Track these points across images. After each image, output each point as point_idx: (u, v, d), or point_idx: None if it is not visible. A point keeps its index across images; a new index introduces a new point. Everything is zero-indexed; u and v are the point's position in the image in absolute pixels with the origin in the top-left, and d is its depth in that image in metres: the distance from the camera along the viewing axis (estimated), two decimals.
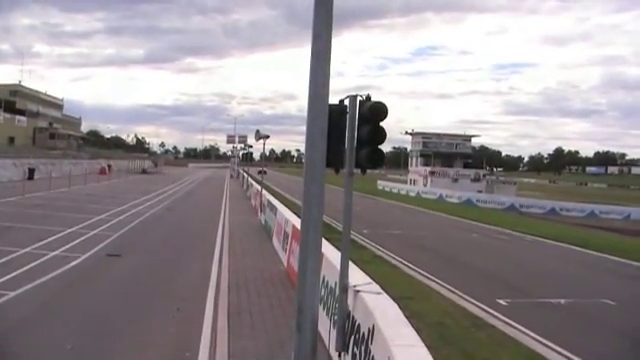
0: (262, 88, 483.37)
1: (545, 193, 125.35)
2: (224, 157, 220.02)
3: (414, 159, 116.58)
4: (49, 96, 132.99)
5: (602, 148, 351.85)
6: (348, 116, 9.32)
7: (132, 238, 27.96)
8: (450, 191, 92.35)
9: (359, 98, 9.31)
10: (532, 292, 22.15)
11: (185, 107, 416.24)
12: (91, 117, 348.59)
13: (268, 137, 43.18)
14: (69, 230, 28.55)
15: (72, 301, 15.60)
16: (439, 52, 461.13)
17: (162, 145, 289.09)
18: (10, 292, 15.78)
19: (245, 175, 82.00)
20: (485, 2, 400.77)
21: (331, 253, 12.61)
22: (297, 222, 21.49)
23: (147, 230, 31.47)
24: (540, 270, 28.34)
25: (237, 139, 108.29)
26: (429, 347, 7.15)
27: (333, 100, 8.71)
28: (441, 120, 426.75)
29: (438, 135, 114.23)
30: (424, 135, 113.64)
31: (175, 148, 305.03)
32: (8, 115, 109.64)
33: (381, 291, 9.77)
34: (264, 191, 41.19)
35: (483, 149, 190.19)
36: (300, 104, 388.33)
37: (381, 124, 9.22)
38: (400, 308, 8.91)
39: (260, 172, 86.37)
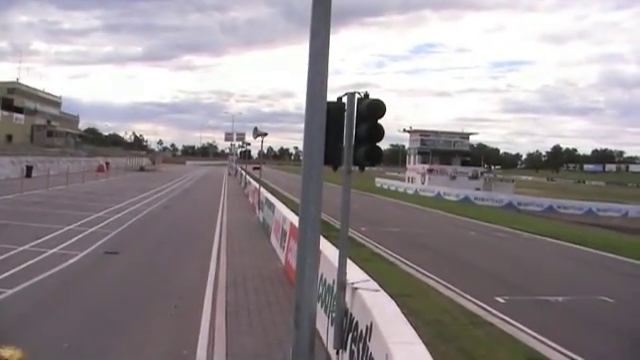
0: (260, 86, 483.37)
1: (543, 191, 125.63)
2: (222, 155, 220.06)
3: (412, 157, 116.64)
4: (47, 94, 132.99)
5: (600, 146, 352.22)
6: (346, 113, 9.31)
7: (130, 236, 27.94)
8: (448, 189, 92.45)
9: (357, 96, 9.30)
10: (530, 290, 22.15)
11: (183, 105, 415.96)
12: (89, 115, 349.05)
13: (266, 134, 43.16)
14: (67, 228, 28.53)
15: (69, 299, 15.57)
16: (437, 50, 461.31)
17: (160, 143, 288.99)
18: (7, 290, 15.76)
19: (243, 173, 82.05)
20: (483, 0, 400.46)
21: (329, 250, 12.60)
22: (295, 220, 21.51)
23: (145, 228, 31.46)
24: (538, 268, 28.37)
25: (235, 137, 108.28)
26: (427, 344, 7.13)
27: (331, 98, 8.70)
28: (439, 118, 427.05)
29: (436, 133, 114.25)
30: (422, 132, 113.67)
31: (173, 146, 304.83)
32: (6, 113, 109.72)
33: (379, 288, 9.78)
34: (262, 189, 41.18)
35: (481, 147, 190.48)
36: (298, 102, 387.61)
37: (379, 122, 9.21)
38: (398, 305, 8.89)
39: (255, 168, 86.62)
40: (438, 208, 64.15)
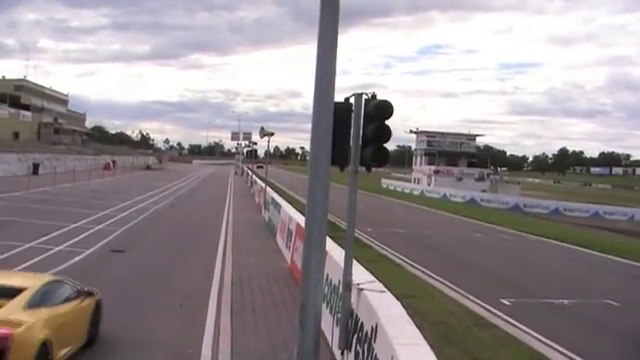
0: (267, 85, 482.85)
1: (549, 193, 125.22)
2: (228, 154, 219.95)
3: (418, 158, 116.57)
4: (54, 91, 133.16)
5: (607, 149, 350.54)
6: (353, 114, 9.31)
7: (136, 234, 28.00)
8: (454, 190, 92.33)
9: (365, 96, 9.31)
10: (535, 292, 22.10)
11: (190, 103, 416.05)
12: (96, 113, 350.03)
13: (273, 134, 43.20)
14: (74, 225, 28.64)
15: None
16: (444, 51, 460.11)
17: (167, 141, 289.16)
18: None
19: (249, 172, 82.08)
20: (491, 1, 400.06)
21: (335, 251, 12.61)
22: (301, 220, 21.53)
23: (151, 226, 31.56)
24: (544, 270, 28.34)
25: (241, 136, 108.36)
26: (432, 346, 7.14)
27: (338, 98, 8.71)
28: (446, 119, 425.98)
29: (442, 134, 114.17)
30: (428, 134, 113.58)
31: (180, 144, 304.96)
32: (13, 110, 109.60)
33: (385, 289, 9.78)
34: (268, 188, 41.20)
35: (487, 148, 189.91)
36: (305, 102, 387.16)
37: (386, 122, 9.22)
38: (403, 307, 8.91)
39: (259, 167, 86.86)
40: (444, 209, 64.15)
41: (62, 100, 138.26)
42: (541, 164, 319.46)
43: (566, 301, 20.27)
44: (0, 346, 8.14)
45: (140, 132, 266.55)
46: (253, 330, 13.43)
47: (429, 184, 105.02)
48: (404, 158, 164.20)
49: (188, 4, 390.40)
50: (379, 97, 9.25)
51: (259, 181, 60.05)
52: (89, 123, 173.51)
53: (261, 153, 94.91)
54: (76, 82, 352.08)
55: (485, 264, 28.49)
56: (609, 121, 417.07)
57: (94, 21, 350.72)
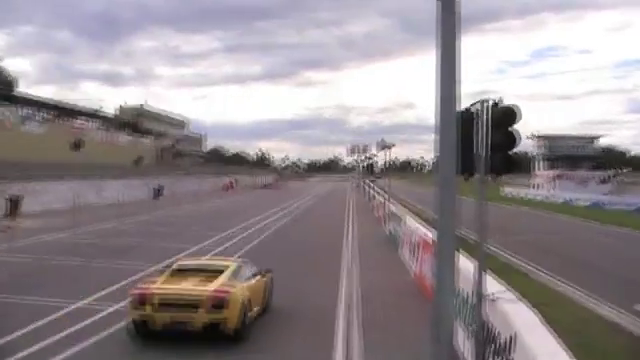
0: (380, 98, 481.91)
1: None
2: (346, 169, 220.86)
3: (538, 163, 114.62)
4: (172, 116, 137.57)
5: None
6: (478, 121, 9.22)
7: (259, 253, 28.31)
8: (577, 194, 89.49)
9: (489, 102, 9.21)
10: None
11: (305, 120, 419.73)
12: (214, 135, 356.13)
13: (393, 146, 43.08)
14: (197, 247, 29.36)
15: None
16: (558, 52, 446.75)
17: (285, 159, 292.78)
18: None
19: (367, 186, 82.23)
20: None
21: (462, 263, 12.48)
22: (425, 232, 21.45)
23: (273, 245, 31.97)
24: None
25: (360, 149, 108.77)
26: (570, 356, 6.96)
27: (459, 106, 8.64)
28: (563, 122, 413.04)
29: (562, 137, 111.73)
30: (548, 138, 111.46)
31: (297, 162, 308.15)
32: (133, 136, 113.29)
33: (518, 299, 9.60)
34: (388, 202, 41.16)
35: (609, 149, 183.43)
36: (419, 113, 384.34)
37: (513, 128, 9.09)
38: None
39: (373, 180, 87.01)
40: (568, 214, 62.42)
41: (180, 124, 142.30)
42: None
43: None
44: (223, 301, 13.61)
45: (260, 150, 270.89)
46: (384, 347, 13.42)
47: (551, 189, 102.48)
48: (521, 164, 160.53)
49: (297, 22, 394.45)
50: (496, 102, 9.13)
51: (378, 195, 60.09)
52: (207, 145, 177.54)
53: (378, 166, 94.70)
54: (192, 105, 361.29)
55: (615, 269, 27.59)
56: None
57: (207, 45, 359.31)
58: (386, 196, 43.01)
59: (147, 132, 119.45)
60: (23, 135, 74.08)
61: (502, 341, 8.57)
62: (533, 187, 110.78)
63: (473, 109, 9.30)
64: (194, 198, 62.11)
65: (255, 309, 15.22)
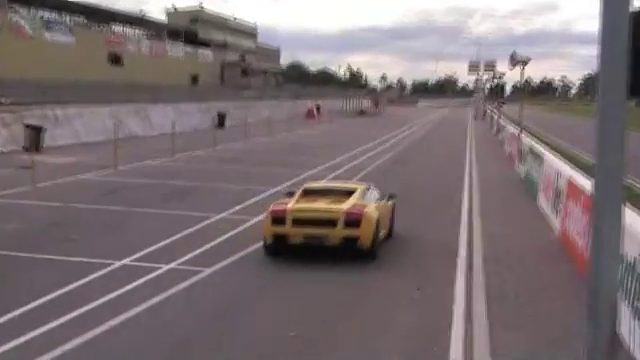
0: None
1: None
2: (464, 91, 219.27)
3: None
4: (238, 22, 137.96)
5: None
6: None
7: None
8: None
9: None
10: None
11: (411, 28, 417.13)
12: (291, 47, 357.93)
13: (529, 61, 42.17)
14: (272, 190, 29.61)
15: (281, 287, 16.24)
16: None
17: (383, 79, 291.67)
18: (205, 268, 16.79)
19: (493, 114, 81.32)
20: None
21: (629, 218, 12.15)
22: (573, 175, 21.29)
23: None
24: None
25: (483, 66, 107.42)
26: None
27: (632, 5, 8.27)
28: None
29: None
30: None
31: (400, 82, 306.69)
32: (189, 48, 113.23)
33: None
34: (523, 135, 40.61)
35: None
36: (564, 17, 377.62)
37: None
38: None
39: (499, 104, 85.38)
40: None
41: (249, 33, 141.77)
42: None
43: None
44: (358, 218, 17.92)
45: (348, 68, 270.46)
46: (516, 322, 13.28)
47: None
48: None
49: None
50: None
51: (509, 126, 59.37)
52: (284, 60, 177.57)
53: (509, 88, 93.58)
54: (262, 10, 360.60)
55: None
56: None
57: None
58: (519, 128, 42.25)
59: (205, 43, 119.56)
60: (46, 46, 74.72)
61: None
62: None
63: None
64: (267, 128, 62.40)
65: (382, 232, 19.43)
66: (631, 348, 10.71)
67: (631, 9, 7.77)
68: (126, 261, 17.24)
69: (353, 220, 17.90)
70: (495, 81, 77.08)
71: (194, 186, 31.29)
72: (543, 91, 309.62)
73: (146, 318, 13.23)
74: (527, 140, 38.31)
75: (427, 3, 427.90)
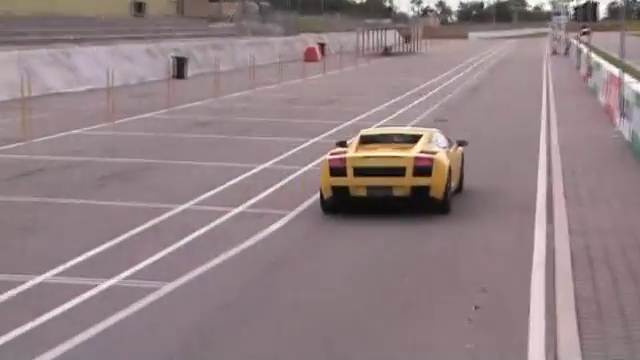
0: None
1: None
2: (537, 16, 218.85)
3: None
4: None
5: None
6: None
7: None
8: None
9: None
10: None
11: None
12: None
13: None
14: (261, 167, 30.77)
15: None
16: None
17: (417, 1, 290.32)
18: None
19: (580, 47, 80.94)
20: None
21: None
22: None
23: None
24: None
25: None
26: None
27: None
28: None
29: None
30: None
31: (442, 5, 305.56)
32: None
33: None
34: (626, 76, 40.68)
35: None
36: None
37: None
38: None
39: (584, 33, 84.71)
40: None
41: None
42: None
43: None
44: (429, 165, 21.27)
45: None
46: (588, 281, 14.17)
47: None
48: None
49: None
50: None
51: (606, 63, 59.11)
52: None
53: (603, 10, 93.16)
54: None
55: None
56: None
57: None
58: (620, 67, 41.94)
59: None
60: None
61: None
62: None
63: None
64: (251, 77, 62.44)
65: (453, 183, 22.98)
66: None
67: None
68: (48, 276, 17.11)
69: (423, 167, 21.17)
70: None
71: (143, 165, 31.59)
72: None
73: None
74: (631, 86, 37.82)
75: None
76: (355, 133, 29.99)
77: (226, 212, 23.80)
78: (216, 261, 18.41)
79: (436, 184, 20.79)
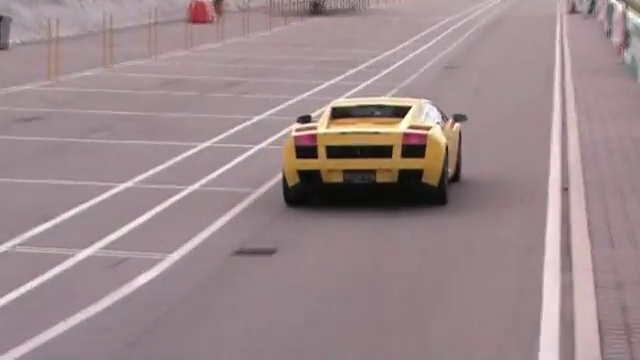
0: None
1: None
2: None
3: None
4: None
5: None
6: None
7: None
8: None
9: None
10: None
11: None
12: None
13: None
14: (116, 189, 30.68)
15: None
16: None
17: None
18: None
19: (616, 3, 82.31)
20: None
21: None
22: None
23: None
24: None
25: None
26: None
27: None
28: None
29: None
30: None
31: None
32: None
33: None
34: None
35: None
36: None
37: None
38: None
39: None
40: None
41: None
42: None
43: None
44: (421, 143, 24.50)
45: None
46: None
47: None
48: None
49: None
50: None
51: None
52: None
53: None
54: None
55: None
56: None
57: None
58: None
59: None
60: None
61: None
62: None
63: None
64: (103, 48, 62.05)
65: (450, 170, 25.47)
66: None
67: None
68: None
69: (415, 146, 23.16)
70: None
71: None
72: None
73: None
74: None
75: None
76: (269, 133, 35.96)
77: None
78: None
79: (430, 167, 22.18)
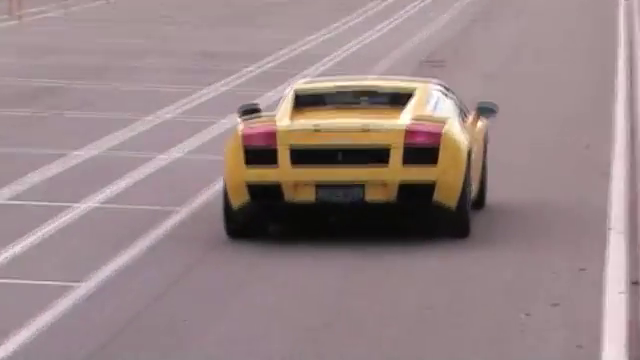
0: None
1: None
2: None
3: None
4: None
5: None
6: None
7: None
8: None
9: None
10: None
11: None
12: None
13: None
14: None
15: None
16: None
17: None
18: None
19: None
20: None
21: None
22: None
23: None
24: None
25: None
26: None
27: None
28: None
29: None
30: None
31: None
32: None
33: None
34: None
35: None
36: None
37: None
38: None
39: None
40: None
41: None
42: None
43: None
44: (433, 142, 19.94)
45: None
46: None
47: None
48: None
49: None
50: None
51: None
52: None
53: None
54: None
55: None
56: None
57: None
58: None
59: None
60: None
61: None
62: None
63: None
64: None
65: (473, 187, 21.87)
66: None
67: None
68: None
69: (423, 148, 18.62)
70: None
71: None
72: None
73: None
74: None
75: None
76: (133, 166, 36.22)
77: None
78: None
79: (446, 180, 17.91)
